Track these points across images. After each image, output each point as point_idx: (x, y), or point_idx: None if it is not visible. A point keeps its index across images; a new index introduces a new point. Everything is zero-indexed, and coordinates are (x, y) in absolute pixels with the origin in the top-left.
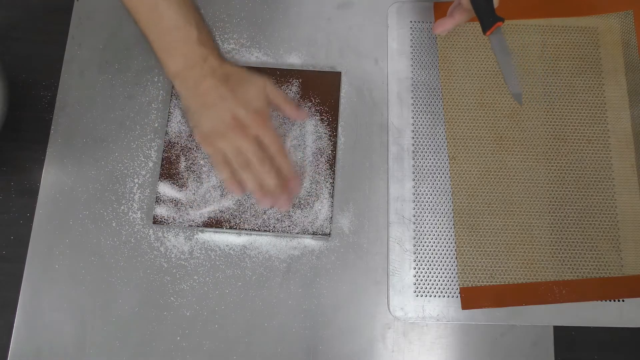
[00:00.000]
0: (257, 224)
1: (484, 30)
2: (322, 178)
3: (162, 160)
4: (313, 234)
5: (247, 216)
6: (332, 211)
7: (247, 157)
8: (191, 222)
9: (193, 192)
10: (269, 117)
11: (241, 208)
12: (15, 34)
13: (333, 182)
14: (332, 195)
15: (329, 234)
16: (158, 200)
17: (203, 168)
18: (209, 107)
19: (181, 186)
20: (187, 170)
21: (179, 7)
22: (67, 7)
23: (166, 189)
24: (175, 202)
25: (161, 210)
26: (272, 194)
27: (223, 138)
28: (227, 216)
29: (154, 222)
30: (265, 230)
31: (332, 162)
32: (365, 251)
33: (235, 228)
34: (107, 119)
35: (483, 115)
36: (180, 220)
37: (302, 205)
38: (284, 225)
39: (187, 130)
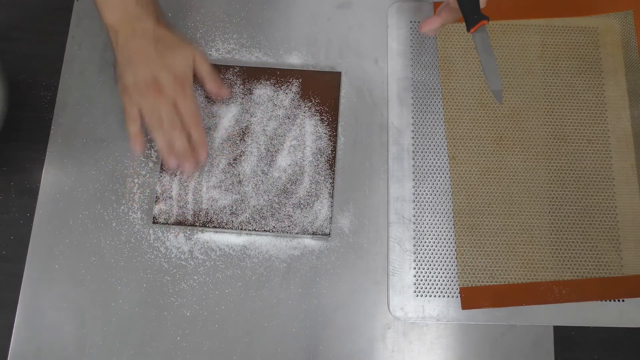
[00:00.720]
0: (257, 224)
1: (468, 28)
2: (322, 178)
3: (162, 162)
4: (313, 234)
5: (246, 216)
6: (332, 211)
7: (159, 117)
8: (191, 222)
9: (193, 192)
10: (190, 85)
11: (241, 208)
12: (15, 34)
13: (333, 182)
14: (332, 195)
15: (329, 234)
16: (157, 200)
17: (204, 167)
18: (134, 63)
19: (181, 186)
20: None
21: None
22: (67, 7)
23: (165, 190)
24: (175, 202)
25: (160, 210)
26: (178, 155)
27: (140, 95)
28: (227, 216)
29: (154, 222)
30: (265, 231)
31: (332, 162)
32: (365, 251)
33: (235, 228)
34: (107, 119)
35: (483, 115)
36: (180, 220)
37: (302, 205)
38: (283, 225)
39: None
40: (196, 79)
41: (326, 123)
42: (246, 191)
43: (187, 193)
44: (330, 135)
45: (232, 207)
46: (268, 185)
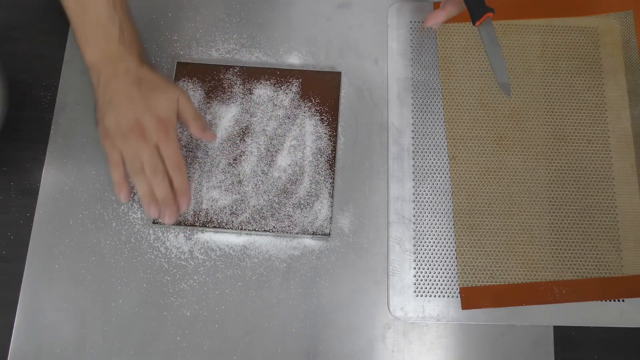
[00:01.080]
0: (257, 224)
1: (474, 21)
2: (322, 178)
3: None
4: (313, 234)
5: (246, 216)
6: (332, 211)
7: (141, 162)
8: (191, 222)
9: (192, 192)
10: (174, 128)
11: (241, 208)
12: (15, 34)
13: (333, 182)
14: (332, 195)
15: (329, 234)
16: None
17: (204, 167)
18: (115, 105)
19: None
20: (188, 170)
21: (106, 5)
22: None
23: None
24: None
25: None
26: (159, 203)
27: (122, 139)
28: (227, 216)
29: (154, 222)
30: (265, 231)
31: (332, 162)
32: (365, 251)
33: (235, 228)
34: None
35: (483, 115)
36: (180, 220)
37: (302, 205)
38: (283, 225)
39: (186, 133)
40: (180, 121)
41: (326, 123)
42: (246, 191)
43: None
44: (330, 135)
45: (232, 207)
46: (268, 185)
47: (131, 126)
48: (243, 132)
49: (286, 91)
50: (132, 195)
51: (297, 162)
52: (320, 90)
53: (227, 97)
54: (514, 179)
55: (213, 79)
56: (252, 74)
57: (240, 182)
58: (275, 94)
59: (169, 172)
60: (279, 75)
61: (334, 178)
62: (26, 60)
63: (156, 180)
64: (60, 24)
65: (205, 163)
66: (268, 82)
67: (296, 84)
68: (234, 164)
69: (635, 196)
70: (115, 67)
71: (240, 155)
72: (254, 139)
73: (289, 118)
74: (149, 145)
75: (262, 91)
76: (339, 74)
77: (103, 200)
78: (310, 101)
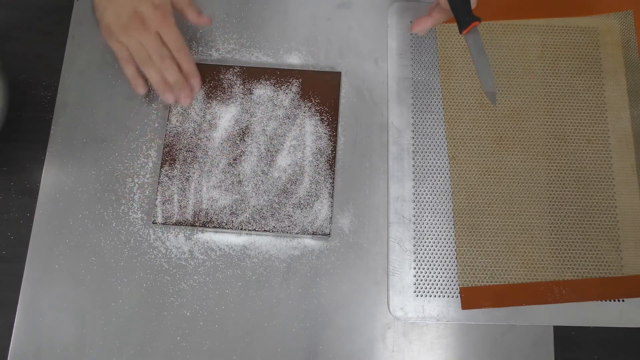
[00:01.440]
0: (257, 224)
1: (460, 30)
2: (322, 178)
3: (162, 162)
4: (313, 234)
5: (246, 216)
6: (332, 211)
7: (147, 52)
8: (191, 222)
9: (193, 192)
10: (171, 13)
11: (241, 208)
12: (15, 34)
13: (333, 182)
14: (332, 195)
15: (329, 234)
16: (157, 200)
17: (204, 167)
18: (112, 0)
19: (180, 187)
20: (188, 170)
21: None
22: (67, 7)
23: (165, 190)
24: (175, 203)
25: (160, 211)
26: (173, 88)
27: (125, 32)
28: (227, 216)
29: (154, 223)
30: (265, 230)
31: (332, 162)
32: (365, 251)
33: (235, 228)
34: (107, 119)
35: (483, 115)
36: (180, 220)
37: (302, 205)
38: (283, 225)
39: (188, 129)
40: (175, 9)
41: (326, 123)
42: (246, 191)
43: (187, 193)
44: (330, 135)
45: (232, 207)
46: (268, 185)
47: (130, 17)
48: (243, 132)
49: (286, 91)
50: (131, 195)
51: (297, 162)
52: (320, 90)
53: (227, 97)
54: (514, 179)
55: (213, 79)
56: (252, 74)
57: (240, 182)
58: (275, 94)
59: (175, 57)
60: (279, 75)
61: (334, 178)
62: (26, 60)
63: (164, 65)
64: (60, 24)
65: (205, 163)
66: (268, 82)
67: (296, 84)
68: (233, 164)
69: (635, 196)
70: None
71: (240, 155)
72: (254, 139)
73: (289, 118)
74: (150, 34)
75: (262, 91)
76: (338, 74)
77: (103, 200)
78: (310, 101)
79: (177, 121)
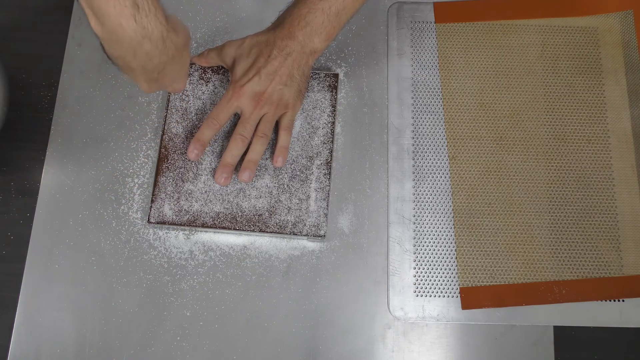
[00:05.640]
0: (254, 225)
1: None
2: (318, 180)
3: (158, 162)
4: (306, 235)
5: (245, 216)
6: (327, 213)
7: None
8: (189, 223)
9: (189, 193)
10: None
11: (240, 208)
12: (15, 34)
13: (329, 184)
14: (327, 197)
15: (324, 235)
16: (153, 200)
17: (200, 165)
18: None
19: (176, 187)
20: (184, 172)
21: None
22: (67, 7)
23: (161, 190)
24: (173, 203)
25: (157, 211)
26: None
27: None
28: (225, 216)
29: (149, 222)
30: (262, 231)
31: (329, 164)
32: (365, 251)
33: (233, 229)
34: (107, 119)
35: (483, 115)
36: (175, 220)
37: (297, 207)
38: (281, 224)
39: (184, 130)
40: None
41: (323, 124)
42: (243, 191)
43: (183, 194)
44: (325, 139)
45: (228, 208)
46: (264, 186)
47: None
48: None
49: None
50: (131, 195)
51: (294, 162)
52: (320, 90)
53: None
54: (514, 179)
55: (213, 79)
56: None
57: (238, 181)
58: None
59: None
60: None
61: (330, 180)
62: (26, 60)
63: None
64: (60, 23)
65: (201, 163)
66: None
67: None
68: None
69: (635, 196)
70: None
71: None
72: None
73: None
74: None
75: None
76: (336, 75)
77: (103, 200)
78: (309, 101)
79: (175, 121)
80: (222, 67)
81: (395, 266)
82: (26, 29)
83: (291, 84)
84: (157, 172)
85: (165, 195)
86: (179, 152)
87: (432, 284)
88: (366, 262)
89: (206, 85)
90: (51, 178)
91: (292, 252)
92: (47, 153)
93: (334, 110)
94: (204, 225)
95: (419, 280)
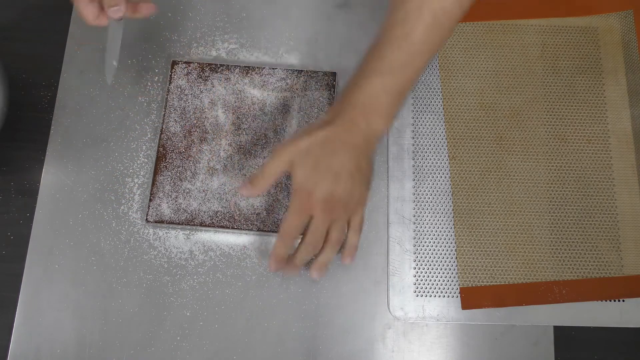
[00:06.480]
0: (252, 224)
1: None
2: None
3: (156, 161)
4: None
5: (244, 215)
6: None
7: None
8: (191, 222)
9: (187, 192)
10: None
11: (240, 207)
12: (15, 34)
13: None
14: None
15: None
16: (151, 200)
17: (198, 164)
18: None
19: (175, 186)
20: (182, 170)
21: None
22: (67, 7)
23: (159, 189)
24: (172, 202)
25: (155, 210)
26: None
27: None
28: (222, 215)
29: (147, 221)
30: (261, 230)
31: None
32: (365, 251)
33: (232, 227)
34: (107, 119)
35: (483, 115)
36: (175, 220)
37: None
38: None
39: (182, 129)
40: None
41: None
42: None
43: (181, 193)
44: None
45: (228, 206)
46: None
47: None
48: (240, 132)
49: (284, 91)
50: (131, 195)
51: None
52: (318, 88)
53: (226, 96)
54: (514, 179)
55: (212, 79)
56: (251, 74)
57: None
58: (274, 93)
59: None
60: (278, 75)
61: None
62: (26, 60)
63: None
64: (60, 24)
65: (200, 161)
66: (267, 82)
67: (295, 83)
68: (229, 164)
69: (635, 196)
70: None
71: (236, 154)
72: (251, 139)
73: (285, 118)
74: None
75: (262, 91)
76: (334, 74)
77: (103, 200)
78: (307, 101)
79: (173, 120)
80: (222, 65)
81: (395, 266)
82: (26, 29)
83: (360, 178)
84: (155, 171)
85: (164, 194)
86: (176, 151)
87: (432, 284)
88: (366, 262)
89: (204, 83)
90: (51, 178)
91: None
92: (47, 153)
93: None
94: (202, 224)
95: (419, 280)
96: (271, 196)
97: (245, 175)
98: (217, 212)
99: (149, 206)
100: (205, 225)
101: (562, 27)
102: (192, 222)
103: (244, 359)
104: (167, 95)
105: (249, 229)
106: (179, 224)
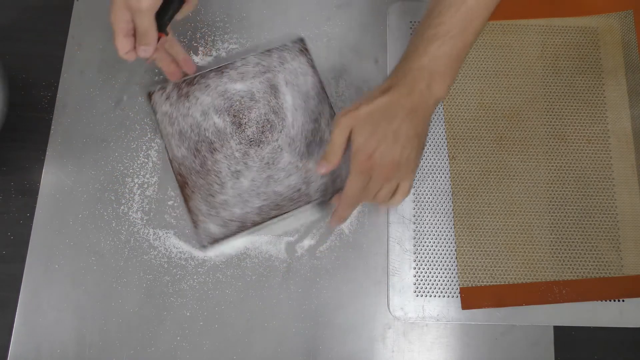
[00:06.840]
0: (296, 202)
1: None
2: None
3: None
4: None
5: (286, 198)
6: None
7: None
8: (240, 229)
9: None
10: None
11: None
12: (15, 34)
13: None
14: (322, 200)
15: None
16: (196, 226)
17: (220, 173)
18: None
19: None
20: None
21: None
22: (67, 7)
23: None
24: (214, 218)
25: (205, 233)
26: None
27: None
28: (267, 207)
29: (204, 246)
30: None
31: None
32: (365, 251)
33: (279, 215)
34: (107, 119)
35: (483, 115)
36: (228, 233)
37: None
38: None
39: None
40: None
41: (314, 84)
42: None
43: (219, 207)
44: (322, 93)
45: (268, 197)
46: (289, 162)
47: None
48: (244, 135)
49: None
50: (131, 195)
51: (304, 128)
52: (294, 58)
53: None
54: (514, 179)
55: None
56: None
57: (239, 179)
58: (274, 92)
59: None
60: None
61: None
62: (26, 60)
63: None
64: (60, 24)
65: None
66: (266, 81)
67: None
68: (238, 170)
69: (635, 196)
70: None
71: (244, 157)
72: (253, 140)
73: (284, 117)
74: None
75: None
76: (302, 39)
77: (103, 200)
78: (291, 71)
79: (176, 146)
80: (196, 76)
81: (395, 266)
82: (26, 29)
83: (418, 143)
84: (185, 200)
85: (205, 216)
86: (194, 171)
87: (432, 284)
88: (366, 262)
89: (187, 99)
90: (51, 178)
91: (292, 252)
92: (47, 153)
93: (315, 70)
94: (255, 224)
95: (419, 280)
96: (300, 169)
97: (267, 163)
98: (261, 206)
99: (197, 233)
100: (258, 224)
101: (562, 27)
102: (245, 227)
103: (244, 359)
104: (159, 125)
105: (298, 207)
106: (234, 234)
